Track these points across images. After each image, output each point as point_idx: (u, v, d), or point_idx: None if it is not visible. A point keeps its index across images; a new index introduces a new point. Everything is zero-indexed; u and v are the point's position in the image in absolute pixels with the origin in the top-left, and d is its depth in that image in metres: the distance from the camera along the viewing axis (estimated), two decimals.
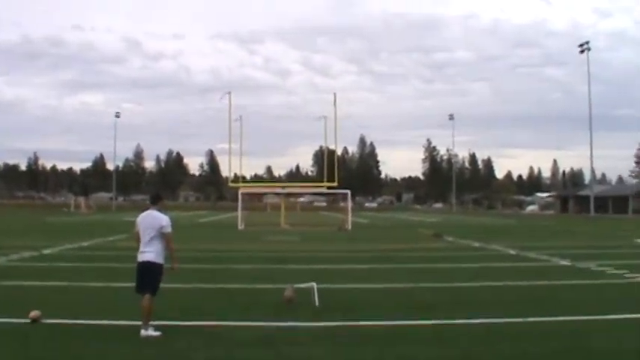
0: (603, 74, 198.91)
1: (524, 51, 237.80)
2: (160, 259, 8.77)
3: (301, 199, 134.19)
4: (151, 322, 8.75)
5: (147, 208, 9.19)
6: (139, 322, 8.76)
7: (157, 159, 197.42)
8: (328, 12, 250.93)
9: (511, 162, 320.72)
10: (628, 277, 15.69)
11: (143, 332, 8.60)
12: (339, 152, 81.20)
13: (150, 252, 8.72)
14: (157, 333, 8.65)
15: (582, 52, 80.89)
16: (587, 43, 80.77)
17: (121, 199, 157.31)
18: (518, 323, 9.89)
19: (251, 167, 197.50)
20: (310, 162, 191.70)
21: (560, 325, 9.86)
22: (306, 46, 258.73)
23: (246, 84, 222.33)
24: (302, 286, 11.90)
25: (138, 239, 8.98)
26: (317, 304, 11.17)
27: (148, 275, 8.69)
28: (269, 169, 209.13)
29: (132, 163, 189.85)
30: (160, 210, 9.05)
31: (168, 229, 8.80)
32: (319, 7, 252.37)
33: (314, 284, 11.65)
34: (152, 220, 8.81)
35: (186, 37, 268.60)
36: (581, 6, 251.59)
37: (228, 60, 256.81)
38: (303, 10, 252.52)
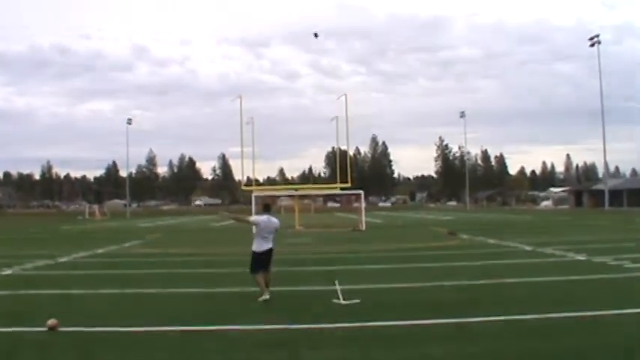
0: (611, 67, 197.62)
1: (530, 47, 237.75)
2: (275, 247, 12.38)
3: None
4: (167, 328, 9.08)
5: (262, 214, 12.58)
6: (155, 328, 9.21)
7: (170, 164, 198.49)
8: (333, 14, 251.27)
9: (524, 158, 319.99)
10: None
11: (263, 298, 11.77)
12: (351, 153, 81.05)
13: (271, 243, 12.28)
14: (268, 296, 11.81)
15: (592, 45, 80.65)
16: (597, 36, 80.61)
17: (135, 205, 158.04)
18: (537, 319, 9.80)
19: (264, 170, 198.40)
20: (323, 163, 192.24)
21: (579, 321, 9.78)
22: (314, 49, 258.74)
23: (255, 87, 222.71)
24: (336, 287, 12.64)
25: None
26: (342, 301, 11.56)
27: (271, 257, 12.21)
28: (281, 172, 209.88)
29: (145, 169, 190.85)
30: (274, 214, 12.67)
31: (278, 226, 12.56)
32: (324, 10, 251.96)
33: (337, 285, 12.06)
34: (271, 222, 12.38)
35: (193, 42, 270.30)
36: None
37: (236, 64, 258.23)
38: (308, 13, 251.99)
